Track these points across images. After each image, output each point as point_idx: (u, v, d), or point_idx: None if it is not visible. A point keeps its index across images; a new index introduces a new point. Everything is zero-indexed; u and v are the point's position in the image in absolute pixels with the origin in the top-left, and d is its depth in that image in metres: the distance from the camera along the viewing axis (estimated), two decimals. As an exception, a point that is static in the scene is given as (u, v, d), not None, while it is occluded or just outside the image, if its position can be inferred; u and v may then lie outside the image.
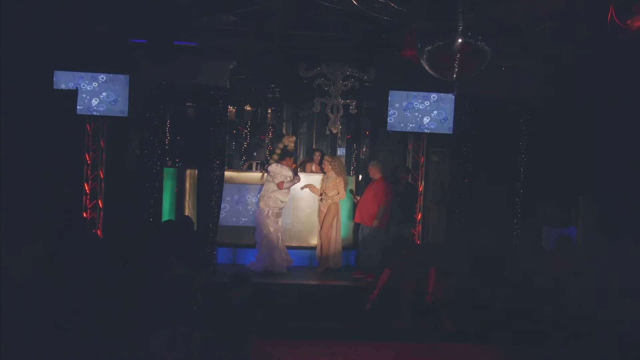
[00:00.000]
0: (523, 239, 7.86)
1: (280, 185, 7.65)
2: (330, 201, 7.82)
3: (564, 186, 7.79)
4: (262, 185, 7.96)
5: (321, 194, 7.91)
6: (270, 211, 7.69)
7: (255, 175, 8.56)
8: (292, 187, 7.85)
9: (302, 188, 8.12)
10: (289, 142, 9.63)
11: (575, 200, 7.81)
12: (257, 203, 7.96)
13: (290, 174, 7.74)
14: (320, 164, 8.61)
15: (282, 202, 7.75)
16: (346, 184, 7.92)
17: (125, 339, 4.99)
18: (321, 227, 7.95)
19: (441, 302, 6.49)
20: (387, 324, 6.46)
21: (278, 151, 9.36)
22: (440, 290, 6.50)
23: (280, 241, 7.77)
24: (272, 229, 7.66)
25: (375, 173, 7.68)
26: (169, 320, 4.61)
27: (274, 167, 7.81)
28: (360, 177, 9.95)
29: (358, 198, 7.84)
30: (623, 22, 5.19)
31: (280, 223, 7.79)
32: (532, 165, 7.94)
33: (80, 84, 7.58)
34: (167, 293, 4.67)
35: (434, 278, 6.48)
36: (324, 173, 8.01)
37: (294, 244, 8.22)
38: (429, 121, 8.12)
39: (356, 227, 8.04)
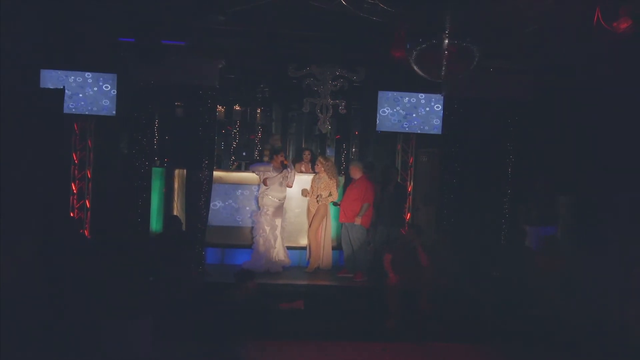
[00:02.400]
0: (511, 238, 7.92)
1: (265, 183, 7.74)
2: (323, 202, 7.84)
3: (544, 186, 7.85)
4: (254, 185, 8.10)
5: (317, 195, 7.91)
6: (266, 210, 7.73)
7: (244, 175, 8.53)
8: (287, 186, 7.90)
9: (304, 195, 8.13)
10: (274, 140, 9.71)
11: (555, 200, 7.88)
12: (256, 203, 8.06)
13: (270, 169, 7.79)
14: (311, 163, 8.62)
15: (278, 200, 7.80)
16: (338, 185, 7.96)
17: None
18: (310, 228, 7.97)
19: (423, 282, 6.61)
20: (377, 324, 6.48)
21: (267, 152, 9.40)
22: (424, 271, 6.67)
23: (278, 240, 7.81)
24: (268, 228, 7.72)
25: (355, 173, 7.74)
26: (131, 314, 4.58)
27: (254, 166, 8.02)
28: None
29: (339, 203, 7.89)
30: (609, 24, 5.25)
31: (277, 222, 7.83)
32: (519, 165, 8.00)
33: (67, 83, 7.50)
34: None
35: (422, 254, 6.67)
36: (316, 173, 8.03)
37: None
38: (418, 122, 8.13)
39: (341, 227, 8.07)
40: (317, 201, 7.88)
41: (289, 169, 7.89)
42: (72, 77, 7.53)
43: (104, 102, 7.60)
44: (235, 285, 5.80)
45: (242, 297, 5.79)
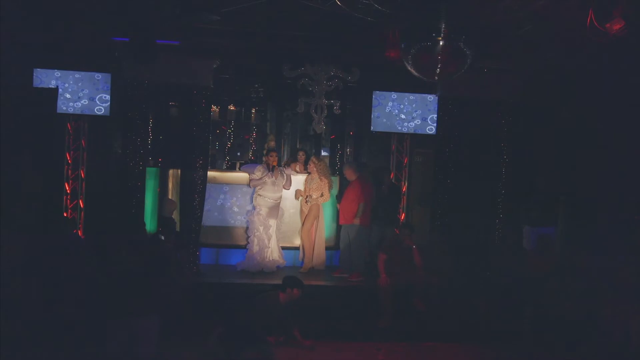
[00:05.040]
0: (505, 238, 7.95)
1: (249, 184, 7.87)
2: (313, 202, 7.84)
3: (545, 186, 7.88)
4: (247, 185, 8.09)
5: (306, 196, 7.91)
6: (259, 209, 7.75)
7: (238, 175, 8.52)
8: (283, 187, 7.89)
9: (297, 198, 8.14)
10: (269, 140, 9.76)
11: (555, 200, 7.91)
12: (251, 203, 8.07)
13: (260, 170, 7.78)
14: (305, 163, 8.61)
15: (271, 200, 7.79)
16: (331, 186, 7.95)
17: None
18: (302, 228, 7.98)
19: (417, 282, 6.67)
20: (371, 324, 6.49)
21: (265, 152, 9.41)
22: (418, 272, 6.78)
23: (272, 240, 7.81)
24: (261, 228, 7.73)
25: (350, 175, 7.75)
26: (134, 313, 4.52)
27: (245, 167, 8.13)
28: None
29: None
30: (602, 25, 5.27)
31: (271, 222, 7.82)
32: (513, 165, 8.03)
33: (60, 83, 7.47)
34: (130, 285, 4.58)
35: (416, 254, 6.83)
36: (309, 173, 8.03)
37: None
38: (413, 122, 8.15)
39: (339, 228, 8.07)
40: (307, 201, 7.88)
41: (280, 171, 7.88)
42: (66, 77, 7.50)
43: (98, 101, 7.57)
44: (281, 288, 5.71)
45: (284, 301, 5.66)
